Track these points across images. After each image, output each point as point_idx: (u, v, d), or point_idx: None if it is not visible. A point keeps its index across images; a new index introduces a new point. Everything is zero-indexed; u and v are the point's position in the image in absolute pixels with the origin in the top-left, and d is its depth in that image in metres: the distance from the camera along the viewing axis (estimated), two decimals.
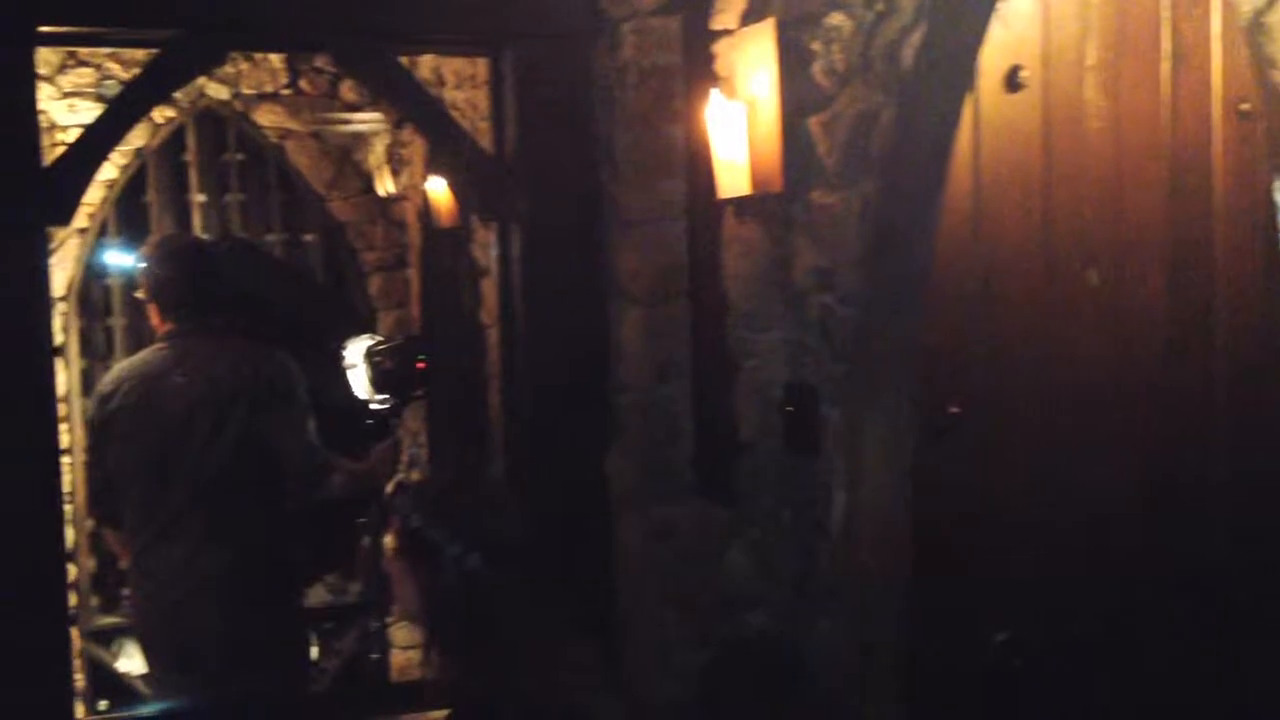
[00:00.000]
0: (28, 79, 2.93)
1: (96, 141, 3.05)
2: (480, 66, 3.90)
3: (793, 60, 2.51)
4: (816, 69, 2.44)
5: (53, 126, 4.72)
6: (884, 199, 2.30)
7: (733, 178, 2.63)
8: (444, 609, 2.02)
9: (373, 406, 3.59)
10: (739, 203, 2.72)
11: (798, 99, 2.50)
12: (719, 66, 2.81)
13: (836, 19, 2.37)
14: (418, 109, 3.26)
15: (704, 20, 2.88)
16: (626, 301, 3.19)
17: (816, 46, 2.43)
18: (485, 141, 3.40)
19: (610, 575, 3.24)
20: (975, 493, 2.64)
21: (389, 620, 3.99)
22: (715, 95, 2.63)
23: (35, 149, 2.93)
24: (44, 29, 2.96)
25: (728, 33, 2.77)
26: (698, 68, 2.96)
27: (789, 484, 2.66)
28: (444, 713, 2.09)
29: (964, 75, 2.29)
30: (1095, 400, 2.76)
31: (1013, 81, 2.61)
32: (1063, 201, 2.71)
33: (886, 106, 2.25)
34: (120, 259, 4.96)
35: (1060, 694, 2.76)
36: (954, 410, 2.58)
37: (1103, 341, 2.77)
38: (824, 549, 2.54)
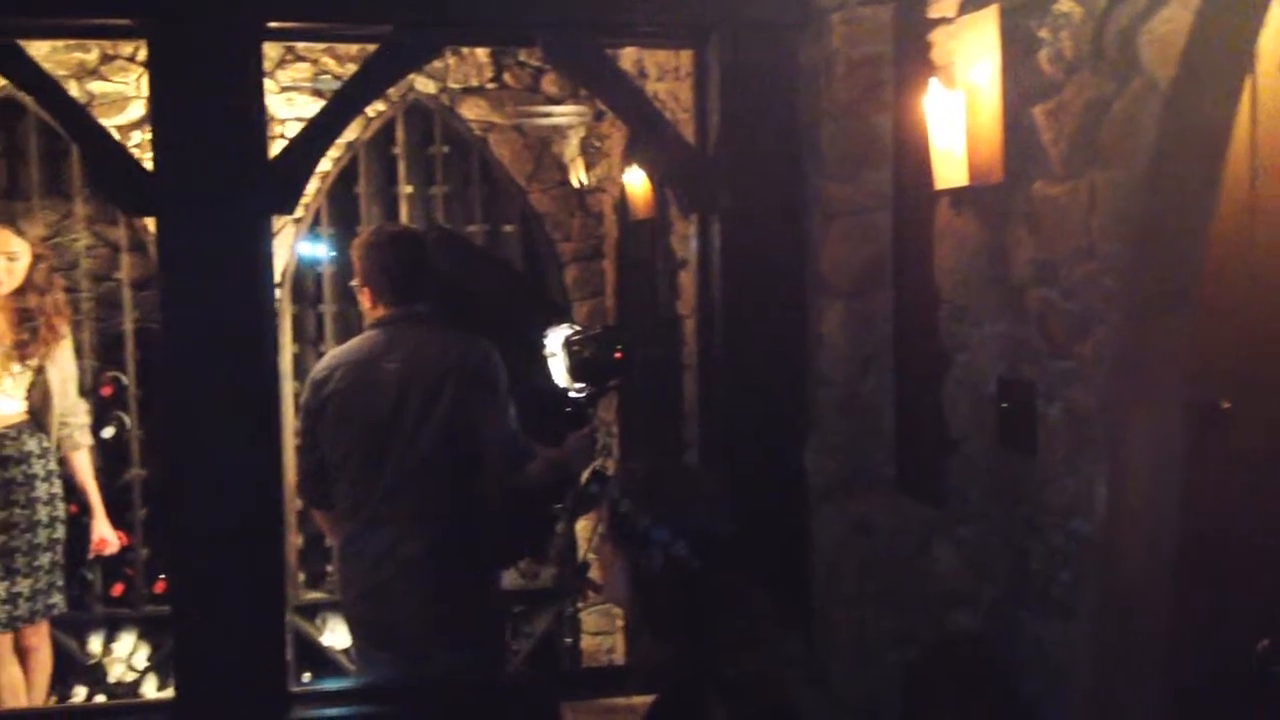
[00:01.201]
0: (256, 74, 3.06)
1: (317, 134, 3.17)
2: (684, 58, 3.92)
3: (1016, 48, 2.44)
4: (1042, 56, 2.36)
5: (271, 119, 4.92)
6: (1147, 189, 2.19)
7: (949, 168, 2.57)
8: (651, 595, 2.03)
9: (571, 395, 3.62)
10: (955, 193, 2.66)
11: (1021, 87, 2.43)
12: (936, 55, 2.75)
13: (1065, 5, 2.29)
14: (622, 101, 3.28)
15: (919, 9, 2.83)
16: (828, 294, 3.15)
17: (1044, 34, 2.35)
18: (687, 133, 3.41)
19: (807, 569, 3.22)
20: (1242, 491, 2.49)
21: (581, 605, 4.06)
22: (934, 84, 2.58)
23: (262, 141, 3.07)
24: (272, 25, 3.09)
25: (945, 21, 2.71)
26: (909, 57, 2.91)
27: (1001, 482, 2.59)
28: (648, 698, 2.10)
29: (1240, 58, 2.15)
30: None
31: None
32: None
33: (1120, 95, 2.16)
34: (332, 248, 5.15)
35: None
36: (1225, 406, 2.44)
37: None
38: (1037, 549, 2.47)
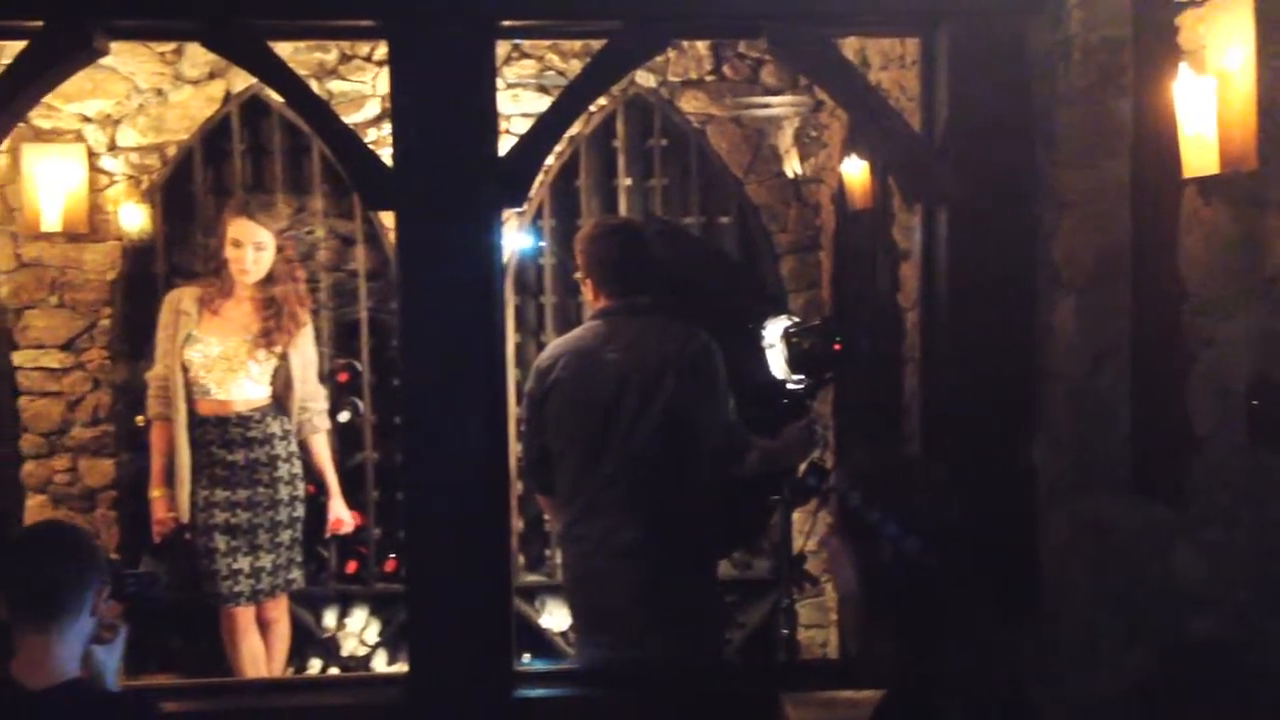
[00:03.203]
0: (489, 72, 3.16)
1: (546, 130, 3.25)
2: (910, 46, 3.86)
3: (1272, 32, 2.32)
4: None
5: (497, 115, 5.05)
6: None
7: (1199, 156, 2.46)
8: (881, 590, 2.02)
9: (789, 386, 3.62)
10: (1204, 182, 2.54)
11: (1277, 73, 2.31)
12: (1183, 39, 2.64)
13: None
14: (847, 91, 3.25)
15: None
16: (1060, 286, 3.06)
17: None
18: (912, 122, 3.35)
19: (1035, 568, 3.14)
20: None
21: (798, 597, 4.04)
22: (1183, 69, 2.47)
23: (494, 137, 3.16)
24: (506, 23, 3.18)
25: (1194, 4, 2.60)
26: (1150, 41, 2.80)
27: (1252, 483, 2.46)
28: (869, 693, 2.08)
29: None
30: None
31: None
32: None
33: None
34: (553, 241, 5.26)
35: None
36: None
37: None
38: None
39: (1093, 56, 2.95)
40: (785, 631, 3.85)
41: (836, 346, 3.55)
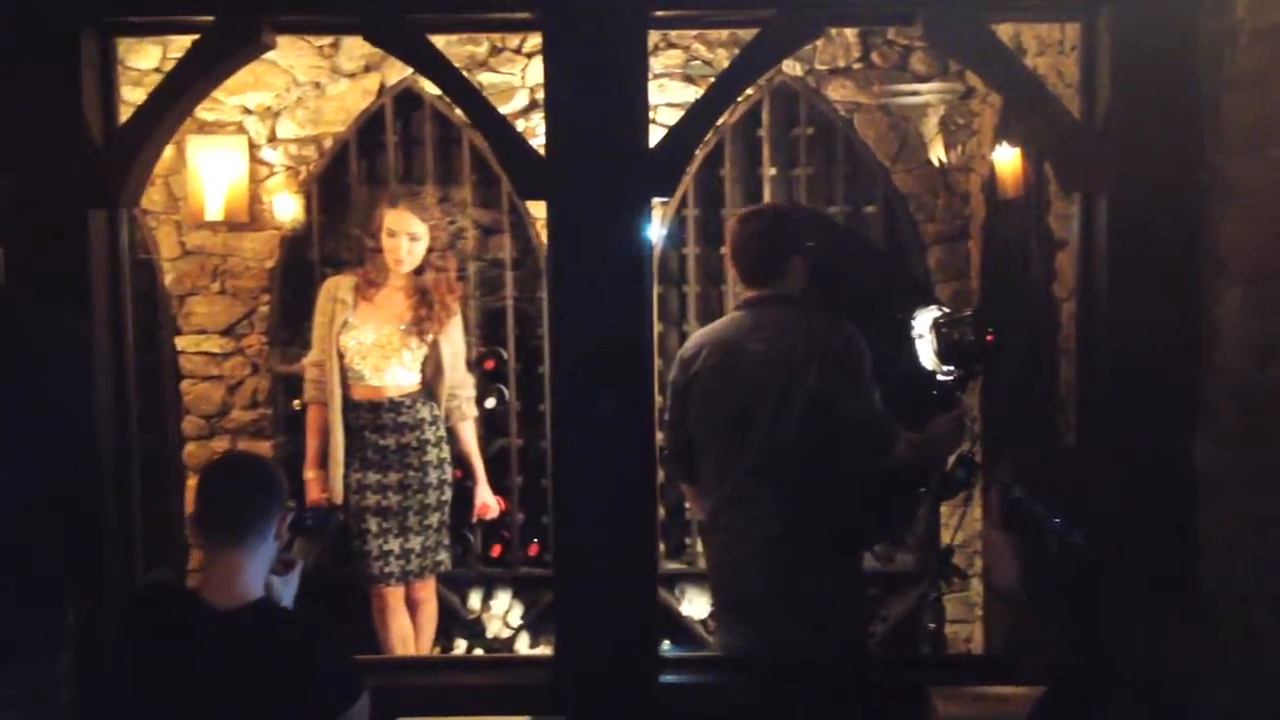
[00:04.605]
0: (641, 62, 3.18)
1: (696, 119, 3.26)
2: (1069, 31, 3.78)
3: None
4: None
5: (648, 105, 5.07)
6: None
7: None
8: (1046, 584, 1.99)
9: (938, 378, 3.57)
10: None
11: None
12: None
13: None
14: (1004, 77, 3.19)
15: None
16: (1225, 277, 2.96)
17: None
18: (1071, 109, 3.28)
19: (1195, 566, 3.05)
20: None
21: (945, 590, 3.99)
22: None
23: (645, 127, 3.18)
24: (659, 14, 3.20)
25: None
26: None
27: None
28: (1017, 689, 2.06)
29: None
30: None
31: None
32: None
33: None
34: (696, 230, 5.26)
35: None
36: None
37: None
38: None
39: (1261, 41, 2.85)
40: (932, 625, 3.82)
41: (989, 337, 3.49)
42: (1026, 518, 1.98)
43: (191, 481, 5.46)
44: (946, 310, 3.63)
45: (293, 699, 2.47)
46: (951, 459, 3.66)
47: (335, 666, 2.59)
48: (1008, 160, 4.50)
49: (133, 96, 3.98)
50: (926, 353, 3.56)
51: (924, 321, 3.57)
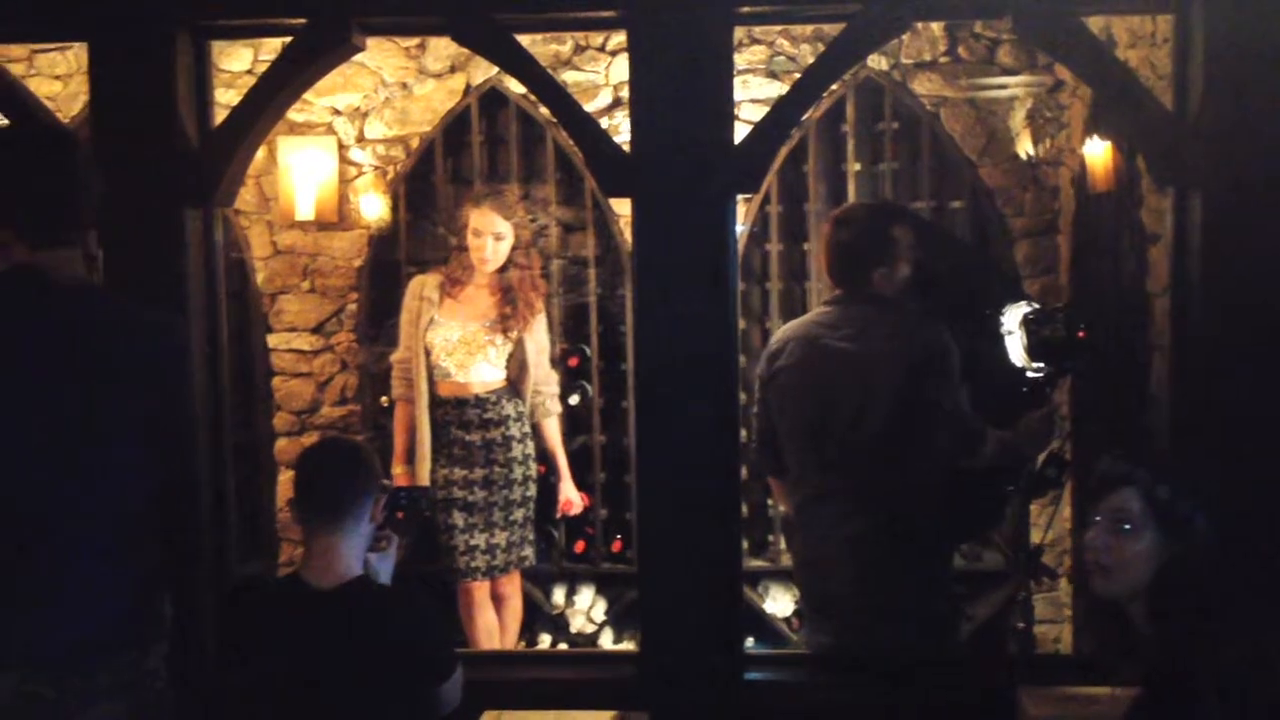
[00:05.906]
0: (726, 59, 3.18)
1: (782, 115, 3.25)
2: (1161, 24, 3.71)
3: None
4: None
5: (733, 101, 5.05)
6: None
7: None
8: (1179, 583, 1.98)
9: (1028, 375, 3.52)
10: None
11: None
12: None
13: None
14: (1095, 69, 3.14)
15: None
16: None
17: None
18: (1164, 101, 3.22)
19: None
20: None
21: (1034, 590, 3.94)
22: None
23: (730, 123, 3.18)
24: (744, 10, 3.19)
25: None
26: None
27: None
28: (1107, 690, 2.04)
29: None
30: None
31: None
32: None
33: None
34: (780, 227, 5.24)
35: None
36: None
37: None
38: None
39: None
40: (1021, 625, 3.77)
41: (1081, 334, 3.43)
42: (1175, 516, 1.97)
43: (283, 477, 5.56)
44: (1036, 305, 3.57)
45: (393, 671, 2.55)
46: (1041, 457, 3.61)
47: (433, 639, 2.72)
48: (1099, 154, 4.42)
49: (225, 99, 4.06)
50: (1016, 349, 3.51)
51: (1013, 318, 3.52)
